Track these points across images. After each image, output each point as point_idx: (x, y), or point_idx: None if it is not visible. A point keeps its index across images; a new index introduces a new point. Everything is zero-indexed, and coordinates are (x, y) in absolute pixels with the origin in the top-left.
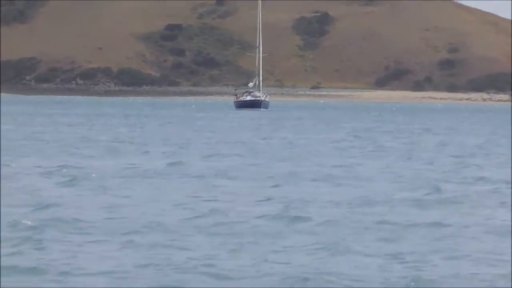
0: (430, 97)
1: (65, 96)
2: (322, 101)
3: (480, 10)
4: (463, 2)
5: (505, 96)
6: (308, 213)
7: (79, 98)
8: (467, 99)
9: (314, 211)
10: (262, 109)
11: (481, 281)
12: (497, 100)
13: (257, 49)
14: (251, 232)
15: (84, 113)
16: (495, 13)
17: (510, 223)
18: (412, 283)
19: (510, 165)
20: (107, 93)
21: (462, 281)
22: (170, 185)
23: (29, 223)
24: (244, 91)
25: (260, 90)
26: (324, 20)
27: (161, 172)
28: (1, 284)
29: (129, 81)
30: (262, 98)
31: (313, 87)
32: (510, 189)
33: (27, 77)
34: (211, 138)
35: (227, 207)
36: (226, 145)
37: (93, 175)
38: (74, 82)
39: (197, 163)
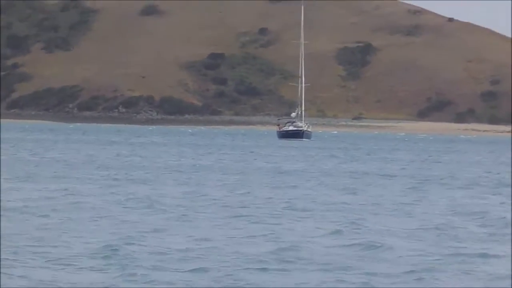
0: (472, 129)
1: (108, 124)
2: (376, 132)
3: None
4: (507, 33)
5: None
6: None
7: (121, 126)
8: (508, 131)
9: None
10: (304, 139)
11: None
12: None
13: (300, 79)
14: None
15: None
16: None
17: None
18: None
19: None
20: (149, 121)
21: None
22: None
23: None
24: (286, 121)
25: (302, 120)
26: (366, 50)
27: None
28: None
29: (171, 109)
30: (305, 128)
31: (355, 118)
32: None
33: (70, 105)
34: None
35: None
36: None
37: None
38: (116, 110)
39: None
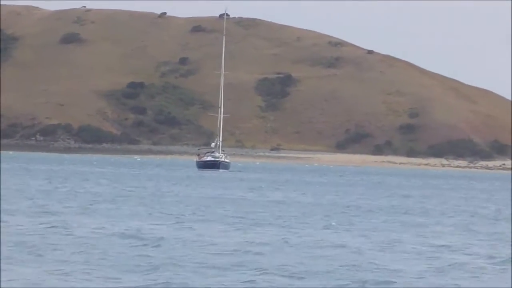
0: (389, 162)
1: (24, 152)
2: (308, 165)
3: (442, 76)
4: (426, 67)
5: (464, 163)
6: None
7: (39, 154)
8: (426, 164)
9: None
10: (221, 170)
11: None
12: (456, 166)
13: (219, 109)
14: None
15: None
16: (457, 78)
17: None
18: None
19: None
20: (67, 150)
21: None
22: None
23: None
24: (206, 151)
25: (220, 151)
26: (286, 81)
27: None
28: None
29: (89, 138)
30: (221, 159)
31: (273, 149)
32: None
33: None
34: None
35: None
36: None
37: None
38: (34, 138)
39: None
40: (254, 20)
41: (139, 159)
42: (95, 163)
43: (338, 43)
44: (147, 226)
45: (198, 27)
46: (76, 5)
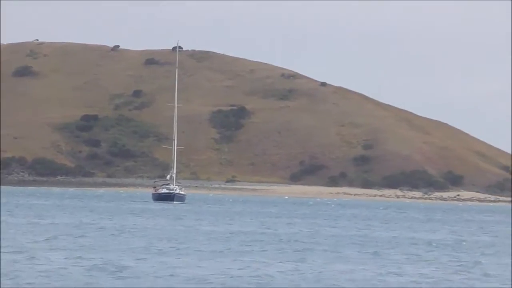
0: (344, 193)
1: None
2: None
3: (395, 107)
4: (379, 99)
5: (418, 193)
6: None
7: None
8: (380, 195)
9: None
10: (175, 202)
11: None
12: (411, 197)
13: (173, 142)
14: None
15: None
16: (410, 110)
17: None
18: None
19: None
20: (21, 182)
21: None
22: None
23: None
24: (162, 184)
25: (174, 183)
26: (240, 113)
27: None
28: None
29: (43, 171)
30: (176, 191)
31: (228, 181)
32: None
33: None
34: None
35: None
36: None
37: None
38: None
39: None
40: (207, 52)
41: (102, 191)
42: (61, 197)
43: (291, 75)
44: None
45: (151, 59)
46: (29, 38)
